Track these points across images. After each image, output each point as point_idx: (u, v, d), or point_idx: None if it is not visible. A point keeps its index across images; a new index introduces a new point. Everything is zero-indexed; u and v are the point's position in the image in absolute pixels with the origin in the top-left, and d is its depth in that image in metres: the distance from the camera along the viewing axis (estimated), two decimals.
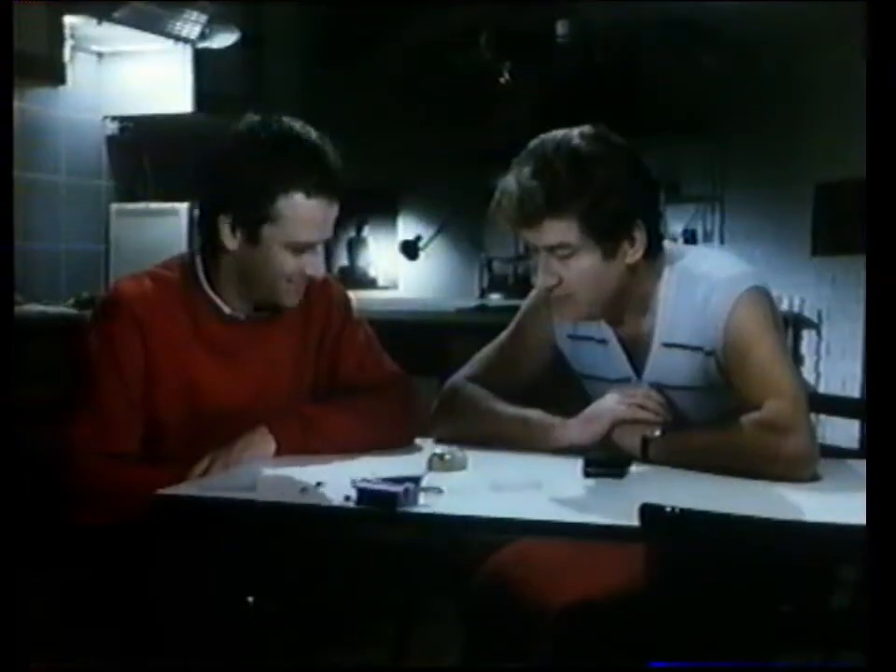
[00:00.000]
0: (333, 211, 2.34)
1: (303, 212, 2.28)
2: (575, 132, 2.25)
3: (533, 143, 2.27)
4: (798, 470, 2.12)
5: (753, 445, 2.15)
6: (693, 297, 2.28)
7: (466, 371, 2.53)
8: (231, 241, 2.31)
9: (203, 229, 2.37)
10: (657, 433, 2.26)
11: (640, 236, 2.26)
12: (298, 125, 2.32)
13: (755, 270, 2.32)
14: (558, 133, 2.26)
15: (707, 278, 2.28)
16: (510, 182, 2.24)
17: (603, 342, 2.40)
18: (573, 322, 2.40)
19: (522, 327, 2.52)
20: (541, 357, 2.50)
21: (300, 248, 2.31)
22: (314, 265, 2.34)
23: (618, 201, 2.22)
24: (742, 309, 2.23)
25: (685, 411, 2.33)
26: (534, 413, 2.39)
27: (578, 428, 2.33)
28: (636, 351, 2.37)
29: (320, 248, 2.35)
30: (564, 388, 2.46)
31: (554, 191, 2.20)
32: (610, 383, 2.39)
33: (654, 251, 2.30)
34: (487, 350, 2.55)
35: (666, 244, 2.37)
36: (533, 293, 2.52)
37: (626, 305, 2.34)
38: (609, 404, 2.32)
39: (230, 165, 2.31)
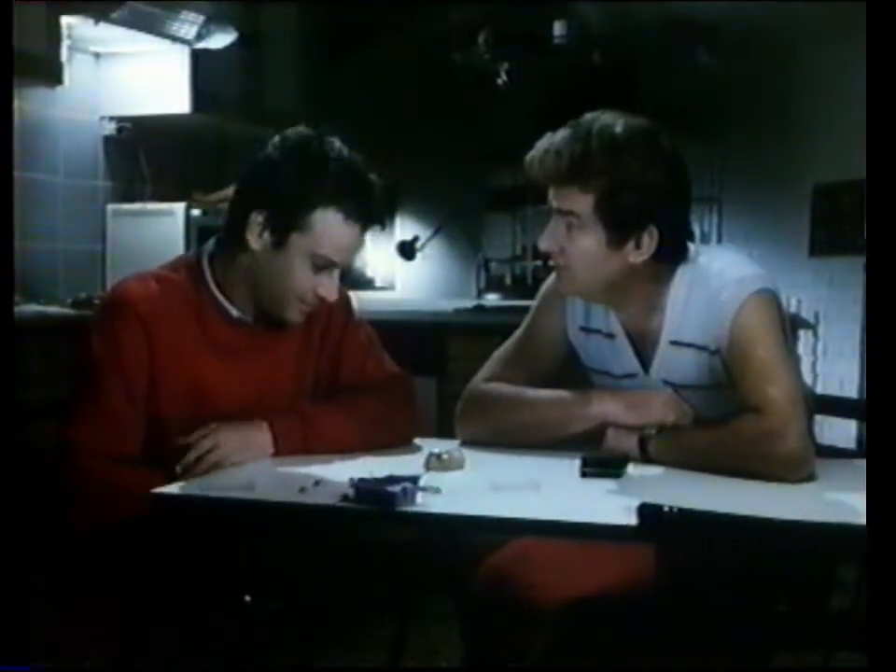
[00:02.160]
0: (361, 241, 2.35)
1: (335, 231, 2.29)
2: (627, 120, 2.26)
3: (589, 114, 2.28)
4: (791, 472, 2.12)
5: (747, 446, 2.15)
6: (703, 296, 2.28)
7: (485, 371, 2.52)
8: (256, 240, 2.31)
9: (231, 222, 2.37)
10: (653, 432, 2.27)
11: (648, 241, 2.26)
12: (348, 150, 2.33)
13: (765, 273, 2.31)
14: (608, 115, 2.27)
15: (718, 278, 2.28)
16: (549, 137, 2.27)
17: (611, 336, 2.40)
18: (568, 295, 2.40)
19: (537, 320, 2.52)
20: (557, 350, 2.49)
21: (320, 265, 2.31)
22: (327, 287, 2.33)
23: (634, 198, 2.22)
24: (749, 310, 2.23)
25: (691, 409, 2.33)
26: (565, 393, 2.39)
27: (620, 407, 2.31)
28: (644, 347, 2.37)
29: (336, 273, 2.35)
30: (577, 385, 2.45)
31: (581, 159, 2.21)
32: (617, 378, 2.40)
33: (668, 257, 2.30)
34: (504, 348, 2.54)
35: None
36: (545, 286, 2.52)
37: (635, 300, 2.34)
38: (663, 399, 2.31)
39: (276, 166, 2.31)
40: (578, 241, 2.27)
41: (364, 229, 2.33)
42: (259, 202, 2.31)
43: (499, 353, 2.54)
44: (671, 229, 2.28)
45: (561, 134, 2.26)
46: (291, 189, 2.28)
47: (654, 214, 2.25)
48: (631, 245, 2.26)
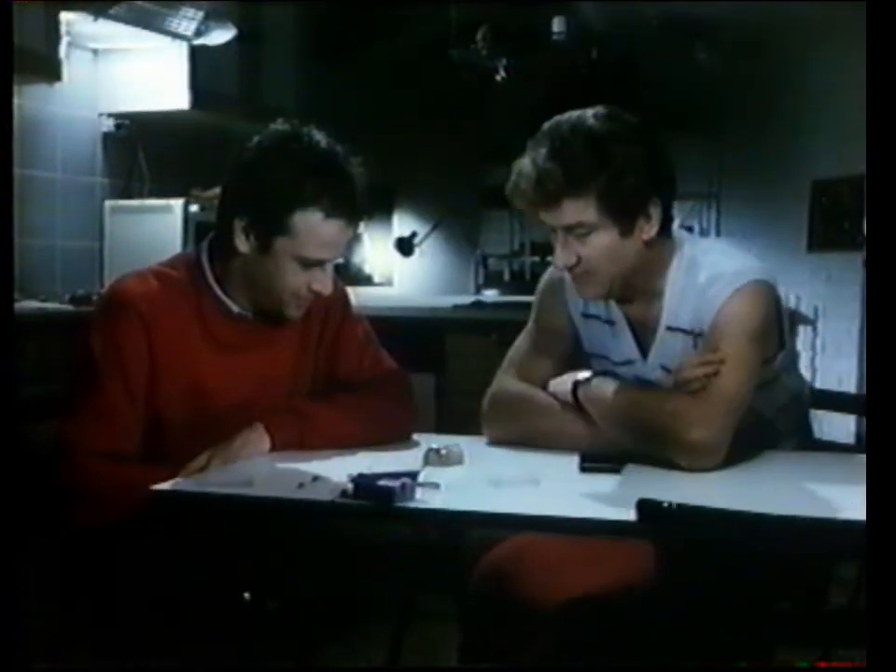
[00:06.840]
0: (349, 233, 2.34)
1: (319, 231, 2.27)
2: (589, 112, 2.26)
3: (547, 124, 2.27)
4: (687, 458, 2.13)
5: (664, 420, 2.16)
6: (698, 283, 2.29)
7: (510, 369, 2.51)
8: (243, 244, 2.31)
9: (219, 226, 2.37)
10: (585, 375, 2.31)
11: (656, 212, 2.27)
12: (327, 142, 2.31)
13: (763, 265, 2.32)
14: (573, 114, 2.27)
15: (715, 266, 2.29)
16: (526, 164, 2.24)
17: (611, 322, 2.41)
18: (592, 299, 2.40)
19: (543, 310, 2.53)
20: (570, 334, 2.50)
21: (309, 264, 2.31)
22: (321, 281, 2.33)
23: (634, 178, 2.22)
24: (737, 300, 2.24)
25: None
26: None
27: None
28: (643, 333, 2.38)
29: (330, 266, 2.35)
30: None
31: (572, 171, 2.20)
32: (615, 364, 2.40)
33: (668, 229, 2.32)
34: (518, 344, 2.54)
35: (680, 233, 2.39)
36: (544, 277, 2.53)
37: (638, 287, 2.34)
38: None
39: (253, 171, 2.30)
40: (592, 245, 2.26)
41: (349, 222, 2.31)
42: (240, 208, 2.30)
43: (516, 349, 2.53)
44: (666, 192, 2.30)
45: (536, 154, 2.23)
46: (269, 195, 2.27)
47: (653, 183, 2.26)
48: (641, 221, 2.27)
